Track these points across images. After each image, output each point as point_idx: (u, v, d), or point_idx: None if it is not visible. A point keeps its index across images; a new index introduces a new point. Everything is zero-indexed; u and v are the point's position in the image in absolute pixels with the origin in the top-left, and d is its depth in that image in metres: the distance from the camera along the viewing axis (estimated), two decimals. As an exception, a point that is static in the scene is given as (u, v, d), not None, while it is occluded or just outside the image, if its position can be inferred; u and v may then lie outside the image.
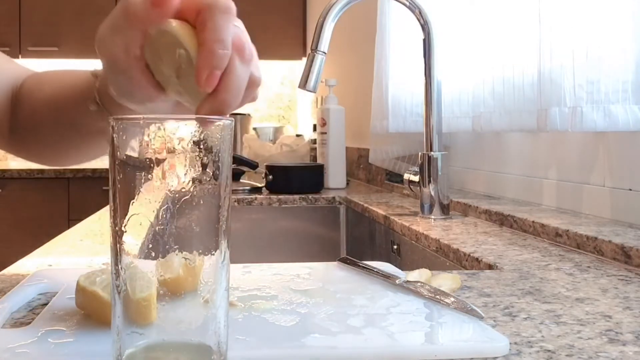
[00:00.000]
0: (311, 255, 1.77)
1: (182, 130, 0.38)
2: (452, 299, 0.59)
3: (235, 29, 0.45)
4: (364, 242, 1.59)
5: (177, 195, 0.38)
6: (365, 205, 1.55)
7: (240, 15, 0.49)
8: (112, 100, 0.55)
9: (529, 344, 0.50)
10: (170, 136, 0.38)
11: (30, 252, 0.92)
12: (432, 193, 1.26)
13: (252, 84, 0.47)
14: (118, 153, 0.39)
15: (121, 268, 0.38)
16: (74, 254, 0.94)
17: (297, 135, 2.88)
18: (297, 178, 1.87)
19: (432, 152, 1.27)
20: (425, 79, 1.29)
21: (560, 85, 0.98)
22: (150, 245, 0.38)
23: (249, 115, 3.44)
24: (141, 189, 0.38)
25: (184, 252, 0.38)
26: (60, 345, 0.47)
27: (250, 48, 0.46)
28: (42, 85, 0.71)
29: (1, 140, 0.74)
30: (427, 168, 1.27)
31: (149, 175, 0.38)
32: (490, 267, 0.82)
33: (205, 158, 0.39)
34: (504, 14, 1.19)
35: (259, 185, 1.92)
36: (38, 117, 0.70)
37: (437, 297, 0.60)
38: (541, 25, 1.04)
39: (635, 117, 0.91)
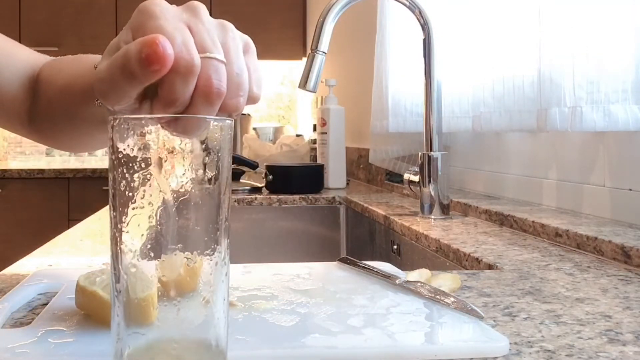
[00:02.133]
0: (311, 255, 1.77)
1: (182, 130, 0.38)
2: (452, 299, 0.59)
3: (210, 67, 0.43)
4: (364, 242, 1.59)
5: (176, 196, 0.38)
6: (365, 205, 1.55)
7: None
8: None
9: (529, 344, 0.50)
10: (170, 136, 0.38)
11: (30, 252, 0.92)
12: (432, 193, 1.26)
13: (227, 111, 0.46)
14: (118, 153, 0.39)
15: (121, 268, 0.38)
16: (74, 254, 0.94)
17: (297, 135, 2.88)
18: (297, 178, 1.87)
19: (432, 152, 1.27)
20: (425, 79, 1.29)
21: (560, 85, 0.98)
22: (150, 246, 0.38)
23: (249, 115, 3.45)
24: (141, 189, 0.38)
25: (184, 252, 0.38)
26: (60, 345, 0.47)
27: (221, 88, 0.44)
28: (57, 74, 0.72)
29: (21, 127, 0.76)
30: (427, 168, 1.27)
31: (149, 175, 0.38)
32: (490, 267, 0.82)
33: (206, 158, 0.39)
34: (504, 14, 1.19)
35: (259, 185, 1.92)
36: (53, 107, 0.71)
37: (437, 297, 0.60)
38: (541, 26, 1.04)
39: (635, 117, 0.91)
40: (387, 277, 0.68)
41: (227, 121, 0.41)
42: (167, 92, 0.42)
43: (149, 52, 0.41)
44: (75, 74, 0.68)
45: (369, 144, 1.93)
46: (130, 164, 0.38)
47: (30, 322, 0.53)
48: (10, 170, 3.39)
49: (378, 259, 1.00)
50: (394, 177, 1.88)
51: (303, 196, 1.79)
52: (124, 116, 0.39)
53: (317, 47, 1.21)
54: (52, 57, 0.77)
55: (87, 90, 0.64)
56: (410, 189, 1.32)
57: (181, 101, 0.43)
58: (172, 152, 0.38)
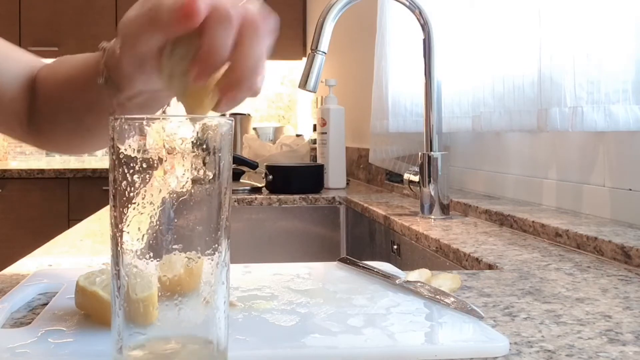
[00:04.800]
0: (311, 255, 1.77)
1: (182, 131, 0.38)
2: (452, 299, 0.59)
3: (251, 9, 0.48)
4: (364, 242, 1.59)
5: (177, 196, 0.38)
6: (365, 205, 1.55)
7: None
8: (119, 74, 0.58)
9: (529, 344, 0.50)
10: (171, 136, 0.38)
11: (30, 252, 0.92)
12: (432, 193, 1.26)
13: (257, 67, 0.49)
14: (119, 153, 0.39)
15: (121, 268, 0.38)
16: (74, 254, 0.94)
17: (297, 135, 2.88)
18: (297, 178, 1.87)
19: (432, 152, 1.27)
20: (425, 79, 1.29)
21: (560, 85, 0.98)
22: (151, 246, 0.38)
23: (249, 115, 3.45)
24: (141, 189, 0.38)
25: (185, 253, 0.38)
26: (60, 345, 0.47)
27: (266, 25, 0.48)
28: (56, 70, 0.73)
29: (19, 128, 0.76)
30: (427, 168, 1.27)
31: (150, 176, 0.38)
32: (490, 267, 0.82)
33: (206, 158, 0.39)
34: (504, 14, 1.19)
35: (259, 185, 1.92)
36: (53, 102, 0.71)
37: (437, 297, 0.60)
38: (541, 25, 1.04)
39: (635, 117, 0.91)
40: (387, 277, 0.68)
41: (228, 121, 0.41)
42: (208, 41, 0.45)
43: (184, 2, 0.44)
44: (77, 65, 0.69)
45: (369, 144, 1.93)
46: (131, 164, 0.38)
47: (30, 322, 0.53)
48: (10, 170, 3.39)
49: (378, 259, 1.00)
50: (394, 177, 1.88)
51: (303, 196, 1.79)
52: (125, 116, 0.39)
53: (317, 47, 1.21)
54: (51, 61, 0.78)
55: (90, 78, 0.65)
56: (410, 189, 1.32)
57: (221, 52, 0.45)
58: (172, 152, 0.38)
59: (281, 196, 1.79)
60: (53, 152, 0.95)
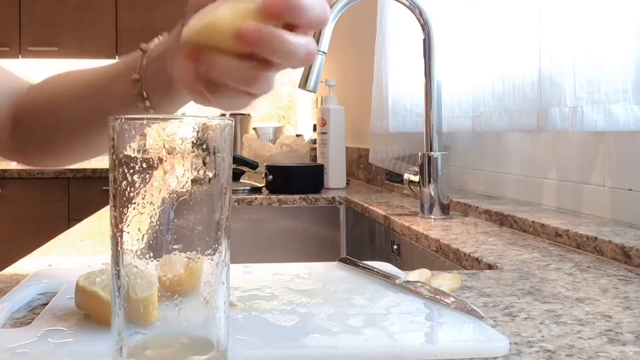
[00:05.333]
0: (311, 255, 1.77)
1: (182, 131, 0.38)
2: (452, 299, 0.59)
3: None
4: (364, 242, 1.59)
5: (177, 196, 0.38)
6: (365, 205, 1.55)
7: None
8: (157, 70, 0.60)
9: (529, 344, 0.50)
10: (171, 136, 0.38)
11: (30, 252, 0.92)
12: (432, 193, 1.26)
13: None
14: (119, 153, 0.39)
15: (121, 268, 0.38)
16: (74, 254, 0.94)
17: (297, 135, 2.88)
18: (297, 178, 1.87)
19: (432, 152, 1.27)
20: (425, 79, 1.29)
21: (560, 85, 0.98)
22: (151, 246, 0.38)
23: (249, 115, 3.45)
24: (142, 189, 0.38)
25: (185, 253, 0.38)
26: (60, 345, 0.47)
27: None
28: (60, 76, 0.74)
29: (5, 137, 0.75)
30: (427, 168, 1.27)
31: (150, 176, 0.38)
32: (490, 267, 0.82)
33: (206, 158, 0.39)
34: (504, 14, 1.19)
35: (259, 185, 1.92)
36: (58, 99, 0.72)
37: (437, 297, 0.60)
38: (541, 25, 1.04)
39: (635, 117, 0.91)
40: (387, 277, 0.68)
41: (228, 121, 0.41)
42: None
43: None
44: (88, 70, 0.71)
45: (369, 144, 1.93)
46: (131, 164, 0.38)
47: (30, 322, 0.53)
48: (10, 170, 3.39)
49: (378, 259, 1.00)
50: (394, 177, 1.88)
51: (303, 196, 1.79)
52: (125, 116, 0.39)
53: (317, 47, 1.21)
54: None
55: (118, 71, 0.66)
56: (410, 189, 1.32)
57: (305, 5, 0.46)
58: (172, 152, 0.38)
59: (281, 196, 1.79)
60: (39, 166, 0.92)
